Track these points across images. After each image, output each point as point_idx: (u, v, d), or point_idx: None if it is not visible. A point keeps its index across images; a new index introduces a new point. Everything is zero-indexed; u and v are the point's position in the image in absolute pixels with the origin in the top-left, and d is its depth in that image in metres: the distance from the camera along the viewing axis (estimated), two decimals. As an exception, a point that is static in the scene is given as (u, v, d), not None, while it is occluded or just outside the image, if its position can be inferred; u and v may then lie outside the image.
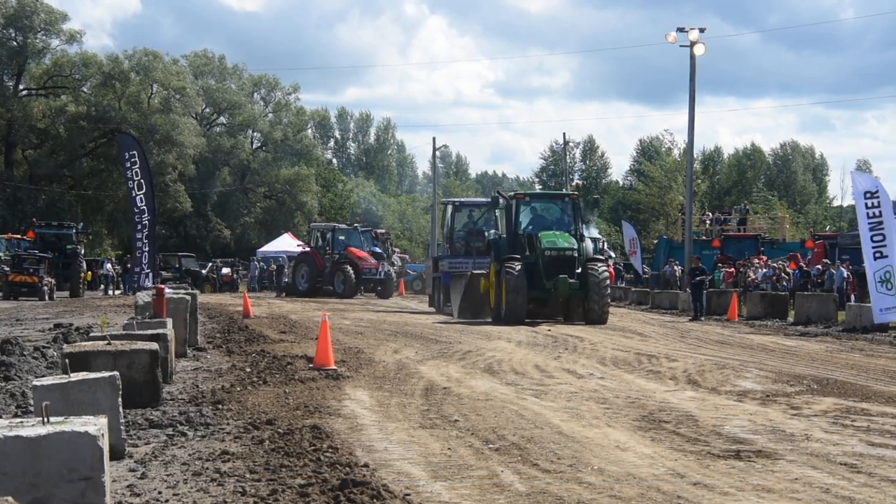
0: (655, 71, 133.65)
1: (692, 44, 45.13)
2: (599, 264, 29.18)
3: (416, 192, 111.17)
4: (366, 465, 8.87)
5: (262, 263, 62.36)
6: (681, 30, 45.55)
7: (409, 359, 18.43)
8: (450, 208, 38.74)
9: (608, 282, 29.16)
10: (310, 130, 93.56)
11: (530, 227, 30.21)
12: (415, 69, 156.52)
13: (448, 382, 15.02)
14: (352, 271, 47.69)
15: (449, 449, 9.85)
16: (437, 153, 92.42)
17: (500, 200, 31.85)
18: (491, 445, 10.04)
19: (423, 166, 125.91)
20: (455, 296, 32.19)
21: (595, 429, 11.12)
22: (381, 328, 26.47)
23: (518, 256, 28.95)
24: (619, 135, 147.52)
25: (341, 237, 50.20)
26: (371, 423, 11.30)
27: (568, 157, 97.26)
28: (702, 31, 45.60)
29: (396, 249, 60.46)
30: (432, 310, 36.70)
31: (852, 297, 31.23)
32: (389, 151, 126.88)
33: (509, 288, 27.96)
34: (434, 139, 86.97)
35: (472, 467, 9.04)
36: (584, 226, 31.21)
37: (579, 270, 28.65)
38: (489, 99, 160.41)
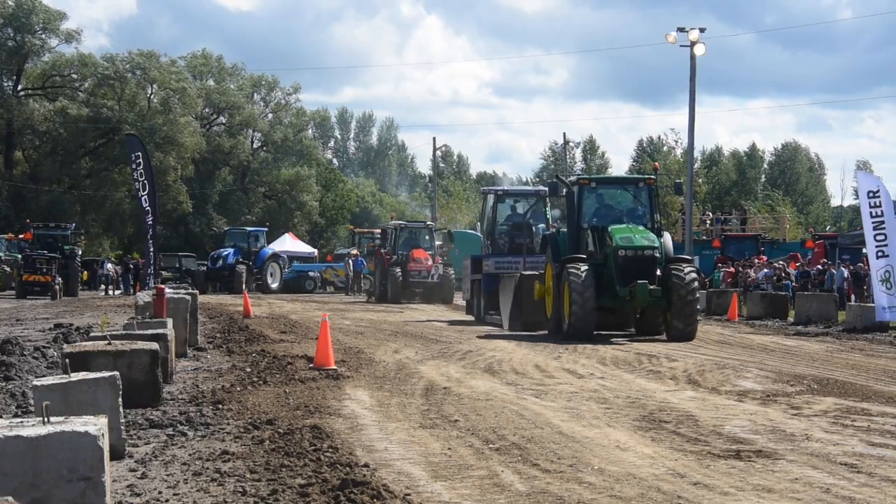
0: (653, 71, 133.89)
1: (692, 44, 45.18)
2: (685, 266, 23.63)
3: (416, 191, 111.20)
4: (366, 465, 8.87)
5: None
6: (681, 30, 45.60)
7: (409, 359, 18.43)
8: (491, 198, 32.24)
9: (697, 287, 23.83)
10: (310, 131, 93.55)
11: (596, 220, 24.69)
12: (411, 69, 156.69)
13: (448, 382, 15.02)
14: (399, 273, 42.79)
15: (449, 449, 9.85)
16: (438, 153, 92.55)
17: (561, 187, 25.96)
18: (491, 445, 10.04)
19: (423, 166, 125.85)
20: (504, 302, 27.30)
21: (595, 429, 11.12)
22: (381, 328, 26.48)
23: (583, 256, 23.70)
24: (616, 135, 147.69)
25: (406, 236, 45.11)
26: (371, 423, 11.30)
27: (568, 157, 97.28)
28: (702, 31, 45.65)
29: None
30: (470, 318, 31.39)
31: (852, 297, 31.22)
32: (390, 151, 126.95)
33: (575, 296, 22.56)
34: (434, 139, 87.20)
35: (473, 467, 9.04)
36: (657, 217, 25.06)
37: (660, 274, 23.22)
38: (486, 99, 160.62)
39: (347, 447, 9.74)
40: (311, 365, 16.49)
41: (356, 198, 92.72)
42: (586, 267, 22.87)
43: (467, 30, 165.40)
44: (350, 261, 55.48)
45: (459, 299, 37.28)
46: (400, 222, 47.95)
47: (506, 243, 30.94)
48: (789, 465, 9.19)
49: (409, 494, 7.95)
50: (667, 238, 24.46)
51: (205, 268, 54.73)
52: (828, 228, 70.25)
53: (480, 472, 8.82)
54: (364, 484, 7.97)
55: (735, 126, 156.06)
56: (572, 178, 26.19)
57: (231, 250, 54.78)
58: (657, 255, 23.15)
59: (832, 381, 15.60)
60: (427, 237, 45.59)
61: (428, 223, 48.29)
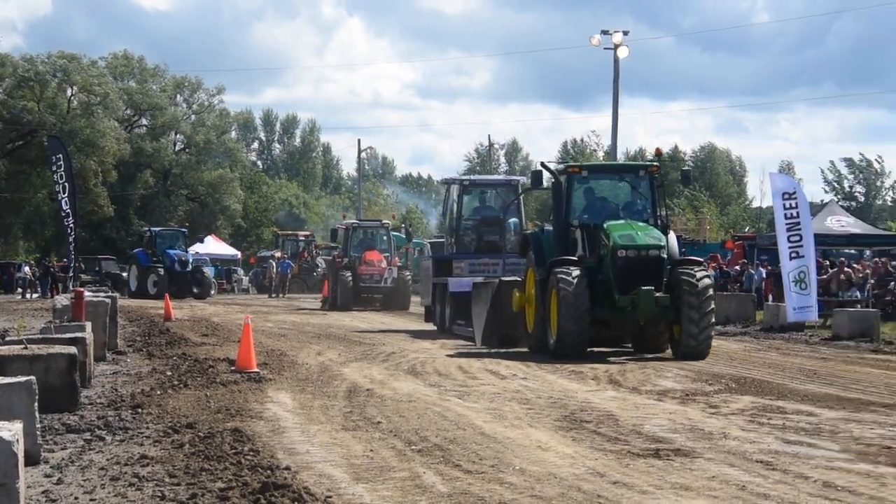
0: (574, 73, 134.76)
1: (616, 46, 45.59)
2: (696, 269, 19.58)
3: (341, 193, 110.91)
4: (287, 468, 8.83)
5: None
6: (605, 32, 46.02)
7: (332, 361, 18.38)
8: (455, 189, 28.14)
9: (713, 295, 19.61)
10: (233, 132, 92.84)
11: (588, 216, 20.72)
12: (333, 71, 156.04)
13: (371, 384, 15.01)
14: (350, 278, 38.83)
15: (371, 450, 9.84)
16: (363, 155, 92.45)
17: (545, 177, 21.91)
18: (413, 447, 10.05)
19: (348, 168, 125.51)
20: (478, 313, 22.74)
21: (517, 429, 11.18)
22: (304, 330, 26.37)
23: (574, 259, 19.93)
24: (538, 137, 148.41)
25: (361, 236, 41.50)
26: (293, 426, 11.25)
27: (492, 159, 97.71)
28: (625, 33, 46.11)
29: (320, 252, 59.75)
30: (430, 327, 27.55)
31: (770, 296, 31.72)
32: (314, 154, 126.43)
33: (565, 307, 18.81)
34: (359, 141, 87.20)
35: (395, 469, 9.04)
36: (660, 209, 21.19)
37: (666, 279, 19.45)
38: (409, 100, 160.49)
39: (269, 450, 9.70)
40: (232, 368, 16.37)
41: (280, 200, 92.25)
42: (578, 271, 19.13)
43: (389, 31, 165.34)
44: (274, 263, 55.07)
45: (418, 306, 32.42)
46: (353, 221, 44.96)
47: (473, 241, 27.66)
48: (707, 463, 9.31)
49: (330, 497, 7.93)
50: (672, 237, 20.65)
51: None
52: (747, 229, 71.21)
53: (402, 474, 8.83)
54: (285, 486, 7.93)
55: (656, 128, 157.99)
56: (560, 167, 22.08)
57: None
58: (664, 255, 19.41)
59: (749, 379, 15.84)
60: (384, 237, 41.75)
61: (384, 222, 44.43)
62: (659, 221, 20.54)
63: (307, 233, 65.44)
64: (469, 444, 10.17)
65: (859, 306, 28.08)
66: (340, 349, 20.84)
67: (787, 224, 25.09)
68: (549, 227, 21.31)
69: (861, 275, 30.62)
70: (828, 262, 31.79)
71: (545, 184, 22.22)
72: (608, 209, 20.97)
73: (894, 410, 12.61)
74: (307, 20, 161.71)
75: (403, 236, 44.13)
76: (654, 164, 21.77)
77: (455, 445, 10.11)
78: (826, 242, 31.20)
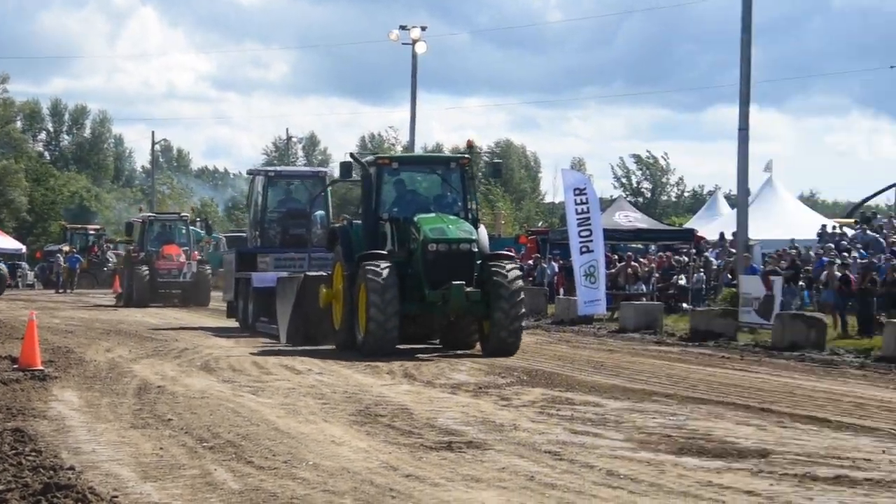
0: (372, 68, 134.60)
1: (414, 42, 45.84)
2: (507, 263, 19.52)
3: (134, 185, 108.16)
4: (71, 468, 8.57)
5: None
6: (403, 28, 46.20)
7: (122, 357, 17.93)
8: (260, 181, 27.36)
9: (521, 289, 19.52)
10: (19, 123, 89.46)
11: (397, 210, 20.31)
12: (125, 61, 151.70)
13: (163, 381, 14.72)
14: (146, 273, 37.06)
15: (161, 448, 9.65)
16: (157, 147, 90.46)
17: (354, 168, 21.11)
18: (205, 444, 9.91)
19: (141, 161, 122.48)
20: (283, 310, 22.28)
21: (311, 424, 11.15)
22: (93, 327, 25.64)
23: (384, 253, 19.44)
24: (336, 131, 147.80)
25: (158, 230, 39.69)
26: (79, 425, 10.94)
27: (290, 152, 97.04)
28: (423, 29, 46.39)
29: (110, 246, 58.05)
30: (233, 323, 26.60)
31: (561, 290, 32.49)
32: (106, 145, 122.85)
33: (374, 302, 18.38)
34: (153, 133, 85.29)
35: (185, 466, 8.89)
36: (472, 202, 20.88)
37: (477, 274, 19.19)
38: (205, 92, 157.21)
39: (52, 450, 9.39)
40: (15, 366, 15.74)
41: (69, 193, 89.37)
42: (388, 265, 18.73)
43: (183, 21, 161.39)
44: (62, 257, 53.21)
45: (220, 301, 30.74)
46: (149, 214, 42.79)
47: (278, 234, 26.87)
48: (497, 454, 9.49)
49: (116, 497, 7.74)
50: (483, 230, 20.58)
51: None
52: (540, 224, 72.77)
53: (193, 472, 8.69)
54: (68, 487, 7.70)
55: (453, 123, 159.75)
56: (369, 158, 21.38)
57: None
58: (475, 249, 19.17)
59: (540, 372, 16.22)
60: (182, 231, 40.04)
61: (182, 214, 42.61)
62: (470, 215, 20.29)
63: (97, 226, 63.53)
64: (262, 441, 10.08)
65: (644, 299, 29.08)
66: (131, 345, 20.34)
67: (577, 219, 25.71)
68: (357, 221, 20.91)
69: (647, 269, 31.73)
70: (616, 257, 32.81)
71: (354, 175, 21.65)
72: (418, 202, 20.59)
73: (674, 400, 13.14)
74: (97, 8, 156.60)
75: (202, 231, 43.10)
76: (466, 156, 21.38)
77: (248, 442, 10.02)
78: (615, 237, 32.10)
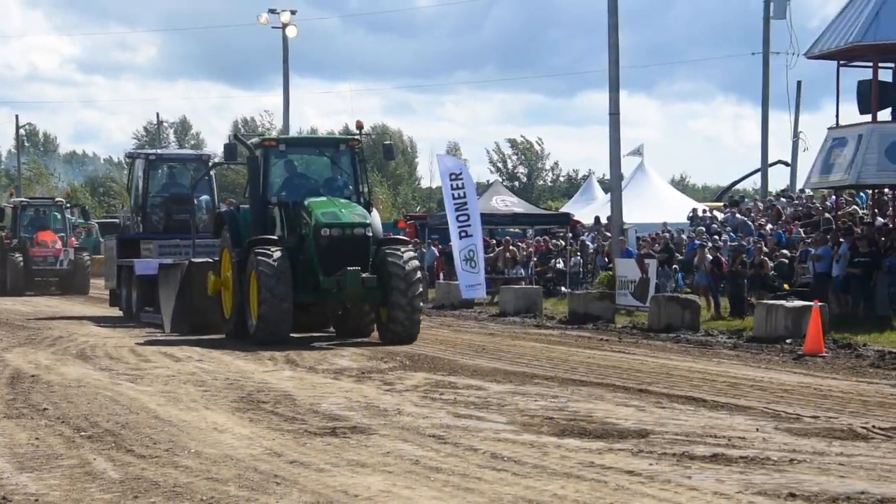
0: (243, 51, 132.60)
1: (284, 25, 45.46)
2: (402, 248, 19.14)
3: None
4: (-57, 462, 8.34)
5: None
6: (272, 11, 45.75)
7: (-7, 347, 17.49)
8: (140, 164, 26.52)
9: (420, 276, 19.13)
10: None
11: (286, 193, 19.74)
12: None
13: (37, 370, 14.40)
14: (21, 260, 36.16)
15: (37, 439, 9.45)
16: (22, 132, 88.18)
17: (239, 150, 20.89)
18: (83, 433, 9.73)
19: (6, 145, 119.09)
20: (166, 298, 21.67)
21: (193, 412, 11.02)
22: (-39, 315, 24.94)
23: (275, 238, 18.95)
24: (208, 115, 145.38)
25: (31, 215, 38.44)
26: (-50, 417, 10.63)
27: (162, 136, 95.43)
28: (293, 13, 46.02)
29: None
30: (117, 312, 25.88)
31: (441, 275, 32.62)
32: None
33: (266, 289, 17.84)
34: (17, 117, 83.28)
35: (63, 456, 8.72)
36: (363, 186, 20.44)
37: (372, 260, 18.76)
38: (70, 75, 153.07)
39: (-77, 443, 9.12)
40: None
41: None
42: (280, 251, 18.20)
43: (43, 2, 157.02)
44: None
45: (102, 289, 29.96)
46: (22, 199, 41.18)
47: (161, 220, 26.15)
48: (382, 439, 9.50)
49: (-8, 489, 7.55)
50: (376, 214, 20.18)
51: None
52: (418, 209, 72.95)
53: (71, 462, 8.52)
54: (-58, 481, 7.49)
55: (326, 108, 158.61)
56: (255, 140, 20.71)
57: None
58: (369, 234, 18.70)
59: (423, 356, 16.27)
60: (58, 216, 38.90)
61: (57, 200, 41.31)
62: (362, 198, 19.80)
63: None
64: (142, 429, 9.94)
65: (523, 283, 29.36)
66: (2, 334, 19.85)
67: (455, 204, 25.80)
68: (245, 206, 20.27)
69: (525, 253, 32.03)
70: (494, 241, 33.05)
71: (239, 159, 21.47)
72: (308, 185, 20.03)
73: (555, 383, 13.31)
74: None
75: (80, 218, 41.86)
76: (356, 137, 20.70)
77: (127, 430, 9.86)
78: (492, 222, 32.31)
